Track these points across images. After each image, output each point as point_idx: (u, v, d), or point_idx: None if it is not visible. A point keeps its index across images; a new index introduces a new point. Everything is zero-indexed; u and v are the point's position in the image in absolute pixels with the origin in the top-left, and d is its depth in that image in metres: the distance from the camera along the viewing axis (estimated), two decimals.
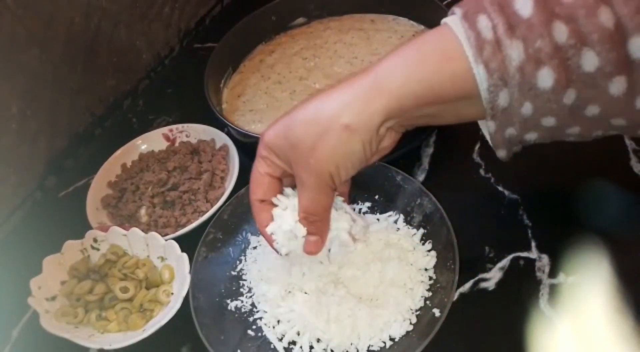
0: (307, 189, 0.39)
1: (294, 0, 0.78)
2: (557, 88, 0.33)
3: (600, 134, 0.38)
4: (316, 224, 0.42)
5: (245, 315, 0.50)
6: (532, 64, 0.33)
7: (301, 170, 0.39)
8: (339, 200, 0.45)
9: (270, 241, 0.44)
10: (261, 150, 0.42)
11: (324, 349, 0.46)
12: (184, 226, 0.58)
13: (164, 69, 0.89)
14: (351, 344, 0.46)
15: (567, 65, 0.32)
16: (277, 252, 0.44)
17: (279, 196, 0.43)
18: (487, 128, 0.38)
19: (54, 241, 0.56)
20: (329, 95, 0.38)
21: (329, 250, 0.45)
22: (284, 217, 0.42)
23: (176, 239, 0.54)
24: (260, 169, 0.42)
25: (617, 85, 0.33)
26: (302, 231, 0.42)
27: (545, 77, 0.33)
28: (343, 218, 0.44)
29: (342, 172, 0.38)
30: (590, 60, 0.32)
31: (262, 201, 0.43)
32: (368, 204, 0.57)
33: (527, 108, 0.35)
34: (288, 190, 0.43)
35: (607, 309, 0.45)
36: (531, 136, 0.38)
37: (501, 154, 0.40)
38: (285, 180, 0.44)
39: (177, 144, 0.69)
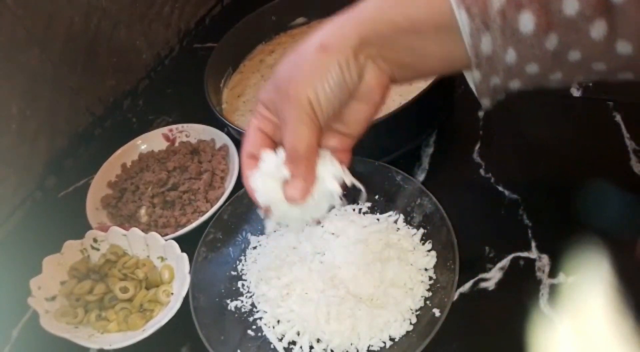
0: (289, 124, 0.37)
1: (294, 0, 0.78)
2: (539, 32, 0.34)
3: (581, 79, 0.39)
4: (299, 164, 0.38)
5: (245, 315, 0.50)
6: (512, 7, 0.33)
7: (283, 107, 0.37)
8: (327, 154, 0.40)
9: (251, 191, 0.39)
10: (258, 105, 0.40)
11: (324, 349, 0.46)
12: (183, 226, 0.58)
13: (164, 69, 0.89)
14: (351, 344, 0.46)
15: (548, 9, 0.33)
16: (258, 205, 0.40)
17: (266, 151, 0.39)
18: (472, 78, 0.38)
19: (53, 241, 0.56)
20: (310, 34, 0.38)
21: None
22: (269, 166, 0.39)
23: (176, 239, 0.54)
24: (255, 120, 0.40)
25: (598, 29, 0.33)
26: (285, 172, 0.38)
27: (527, 21, 0.33)
28: (331, 169, 0.40)
29: (322, 97, 0.36)
30: (570, 4, 0.33)
31: (252, 156, 0.40)
32: (368, 204, 0.57)
33: (510, 55, 0.35)
34: (280, 151, 0.39)
35: (607, 309, 0.45)
36: (515, 84, 0.38)
37: (485, 103, 0.40)
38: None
39: (177, 144, 0.69)
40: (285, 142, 0.38)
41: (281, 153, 0.38)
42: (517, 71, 0.36)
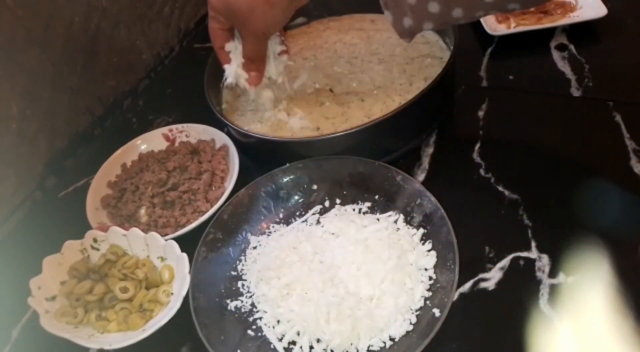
0: (248, 43, 0.57)
1: None
2: None
3: (481, 14, 0.46)
4: (256, 64, 0.59)
5: (245, 315, 0.50)
6: None
7: (242, 31, 0.56)
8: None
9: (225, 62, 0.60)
10: (210, 11, 0.56)
11: (324, 349, 0.46)
12: (183, 226, 0.58)
13: (164, 69, 0.89)
14: (351, 344, 0.46)
15: None
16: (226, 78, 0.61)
17: (229, 43, 0.59)
18: (388, 19, 0.47)
19: (53, 241, 0.56)
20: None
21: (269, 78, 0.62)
22: (236, 57, 0.59)
23: (176, 239, 0.54)
24: (214, 25, 0.57)
25: None
26: (244, 75, 0.60)
27: None
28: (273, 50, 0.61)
29: (272, 30, 0.56)
30: None
31: (223, 49, 0.59)
32: (368, 204, 0.57)
33: None
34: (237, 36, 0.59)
35: (607, 309, 0.45)
36: (427, 26, 0.46)
37: (406, 40, 0.50)
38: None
39: (177, 144, 0.69)
40: (245, 51, 0.58)
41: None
42: (421, 12, 0.44)
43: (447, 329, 0.43)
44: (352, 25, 0.78)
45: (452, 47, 0.63)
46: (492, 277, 0.49)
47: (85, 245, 0.56)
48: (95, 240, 0.56)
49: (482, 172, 0.59)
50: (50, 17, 0.68)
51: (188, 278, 0.51)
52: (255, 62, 0.59)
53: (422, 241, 0.52)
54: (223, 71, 0.73)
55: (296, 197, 0.59)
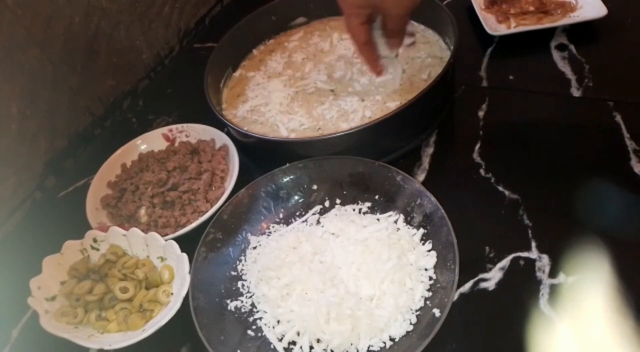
0: (393, 21, 0.57)
1: (294, 0, 0.78)
2: None
3: None
4: (398, 33, 0.60)
5: (245, 315, 0.50)
6: None
7: (390, 12, 0.55)
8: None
9: (376, 65, 0.63)
10: (347, 9, 0.56)
11: (324, 349, 0.46)
12: (183, 226, 0.58)
13: (164, 69, 0.89)
14: (351, 344, 0.46)
15: None
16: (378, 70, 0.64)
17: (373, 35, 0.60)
18: None
19: (53, 241, 0.56)
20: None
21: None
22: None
23: (176, 239, 0.54)
24: (354, 21, 0.57)
25: None
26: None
27: None
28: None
29: (417, 3, 0.55)
30: None
31: (369, 43, 0.59)
32: (368, 204, 0.57)
33: None
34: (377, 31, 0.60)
35: (607, 309, 0.45)
36: None
37: None
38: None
39: (176, 144, 0.69)
40: (390, 26, 0.58)
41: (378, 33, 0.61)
42: None
43: (447, 329, 0.43)
44: None
45: (452, 47, 0.63)
46: (492, 278, 0.49)
47: (85, 245, 0.56)
48: (95, 240, 0.56)
49: (482, 172, 0.59)
50: (50, 17, 0.68)
51: (188, 278, 0.51)
52: (397, 32, 0.60)
53: (422, 241, 0.51)
54: (223, 71, 0.74)
55: (296, 197, 0.59)
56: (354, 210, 0.56)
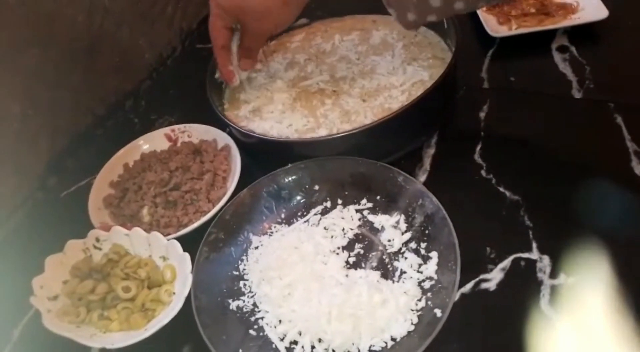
0: (250, 38, 0.61)
1: None
2: None
3: (483, 4, 0.49)
4: (251, 53, 0.64)
5: (246, 315, 0.51)
6: None
7: (249, 28, 0.59)
8: None
9: (229, 74, 0.65)
10: (215, 9, 0.58)
11: (326, 349, 0.46)
12: (185, 225, 0.58)
13: (166, 69, 0.89)
14: (352, 344, 0.46)
15: None
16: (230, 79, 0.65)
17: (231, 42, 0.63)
18: (392, 14, 0.49)
19: (56, 240, 0.56)
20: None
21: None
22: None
23: (178, 239, 0.55)
24: (218, 23, 0.59)
25: None
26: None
27: None
28: None
29: (279, 29, 0.63)
30: None
31: (224, 48, 0.62)
32: (369, 204, 0.57)
33: None
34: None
35: (607, 310, 0.45)
36: (431, 18, 0.48)
37: (412, 31, 0.58)
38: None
39: (179, 144, 0.69)
40: (245, 43, 0.62)
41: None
42: (423, 6, 0.46)
43: (448, 330, 0.43)
44: (354, 25, 0.78)
45: (453, 49, 0.63)
46: (493, 278, 0.50)
47: (87, 244, 0.56)
48: (97, 239, 0.57)
49: (483, 173, 0.59)
50: (52, 17, 0.68)
51: (190, 278, 0.51)
52: (251, 51, 0.64)
53: (424, 242, 0.52)
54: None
55: (298, 198, 0.59)
56: (355, 210, 0.57)
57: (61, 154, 0.73)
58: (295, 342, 0.47)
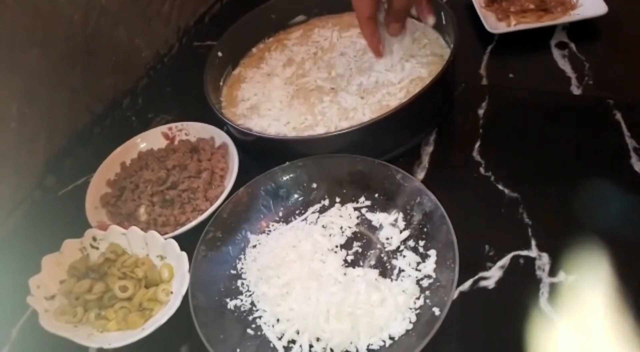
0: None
1: None
2: None
3: None
4: (400, 15, 0.62)
5: (244, 314, 0.50)
6: None
7: None
8: None
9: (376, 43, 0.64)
10: None
11: (324, 348, 0.46)
12: (183, 224, 0.58)
13: (163, 68, 0.89)
14: (351, 342, 0.46)
15: None
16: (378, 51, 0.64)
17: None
18: None
19: (53, 239, 0.56)
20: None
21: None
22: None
23: (175, 238, 0.54)
24: None
25: None
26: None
27: None
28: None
29: None
30: None
31: (373, 19, 0.60)
32: (368, 202, 0.57)
33: None
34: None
35: (607, 308, 0.45)
36: None
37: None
38: None
39: (176, 143, 0.69)
40: (396, 5, 0.59)
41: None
42: None
43: (446, 328, 0.43)
44: (352, 22, 0.77)
45: (452, 45, 0.63)
46: (492, 276, 0.49)
47: (84, 244, 0.56)
48: (94, 239, 0.56)
49: (482, 170, 0.58)
50: (50, 16, 0.67)
51: (187, 277, 0.50)
52: (399, 14, 0.61)
53: (422, 240, 0.51)
54: (223, 69, 0.74)
55: (296, 196, 0.59)
56: (354, 209, 0.56)
57: (59, 153, 0.73)
58: (293, 341, 0.47)
